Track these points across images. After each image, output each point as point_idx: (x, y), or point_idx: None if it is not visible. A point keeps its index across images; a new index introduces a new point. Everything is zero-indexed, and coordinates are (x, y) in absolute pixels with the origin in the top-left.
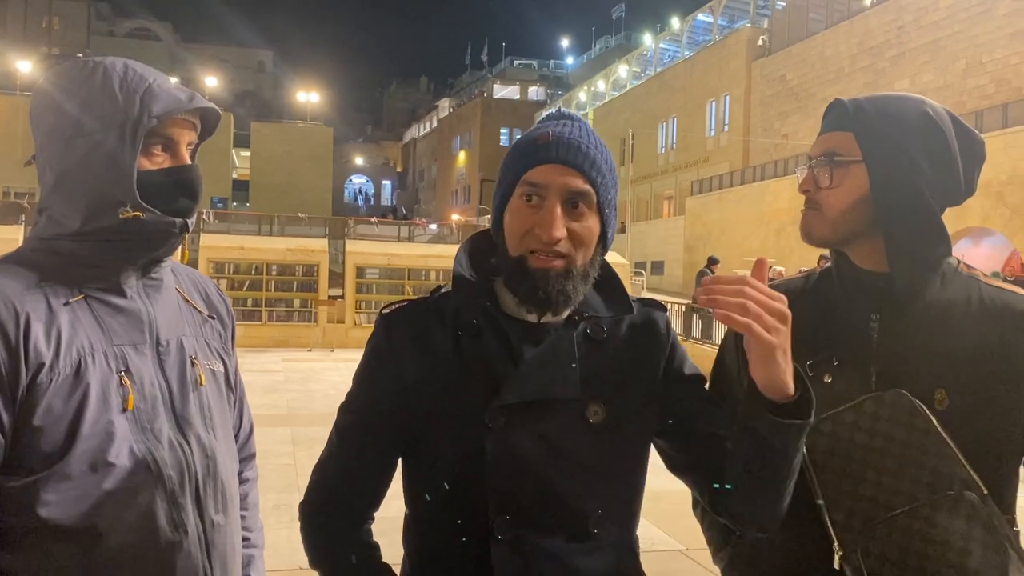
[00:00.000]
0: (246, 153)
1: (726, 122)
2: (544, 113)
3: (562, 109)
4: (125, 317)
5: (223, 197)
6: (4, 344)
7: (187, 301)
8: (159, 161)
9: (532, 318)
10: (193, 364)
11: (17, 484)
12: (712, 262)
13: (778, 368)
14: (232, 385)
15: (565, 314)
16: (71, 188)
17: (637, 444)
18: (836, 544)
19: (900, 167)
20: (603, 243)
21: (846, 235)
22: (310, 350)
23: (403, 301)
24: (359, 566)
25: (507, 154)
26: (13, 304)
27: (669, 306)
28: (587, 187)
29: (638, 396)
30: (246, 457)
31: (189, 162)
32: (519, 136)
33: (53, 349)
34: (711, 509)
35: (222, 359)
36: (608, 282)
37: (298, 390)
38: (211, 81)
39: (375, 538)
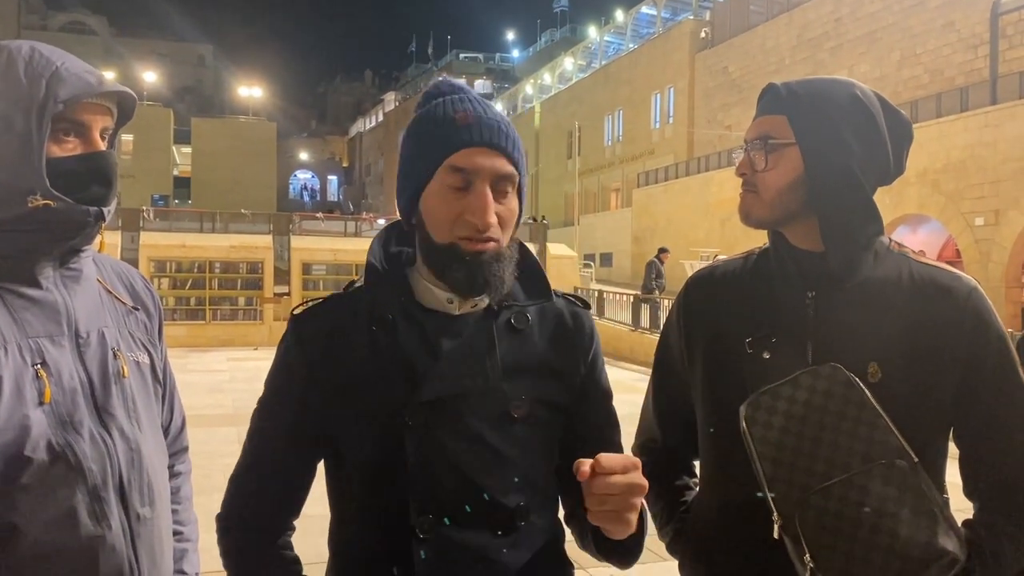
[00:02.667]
0: (187, 149)
1: (671, 114)
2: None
3: (446, 78)
4: (40, 309)
5: (164, 195)
6: None
7: (109, 292)
8: (70, 147)
9: (452, 308)
10: (115, 356)
11: None
12: (662, 251)
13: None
14: (160, 377)
15: (484, 304)
16: None
17: (557, 434)
18: (775, 514)
19: (831, 148)
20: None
21: (782, 216)
22: (256, 348)
23: (315, 299)
24: None
25: (412, 136)
26: None
27: (618, 297)
28: (511, 169)
29: (558, 390)
30: (178, 451)
31: (103, 148)
32: (419, 114)
33: None
34: (574, 517)
35: (147, 350)
36: (527, 266)
37: (244, 389)
38: (149, 76)
39: (296, 537)
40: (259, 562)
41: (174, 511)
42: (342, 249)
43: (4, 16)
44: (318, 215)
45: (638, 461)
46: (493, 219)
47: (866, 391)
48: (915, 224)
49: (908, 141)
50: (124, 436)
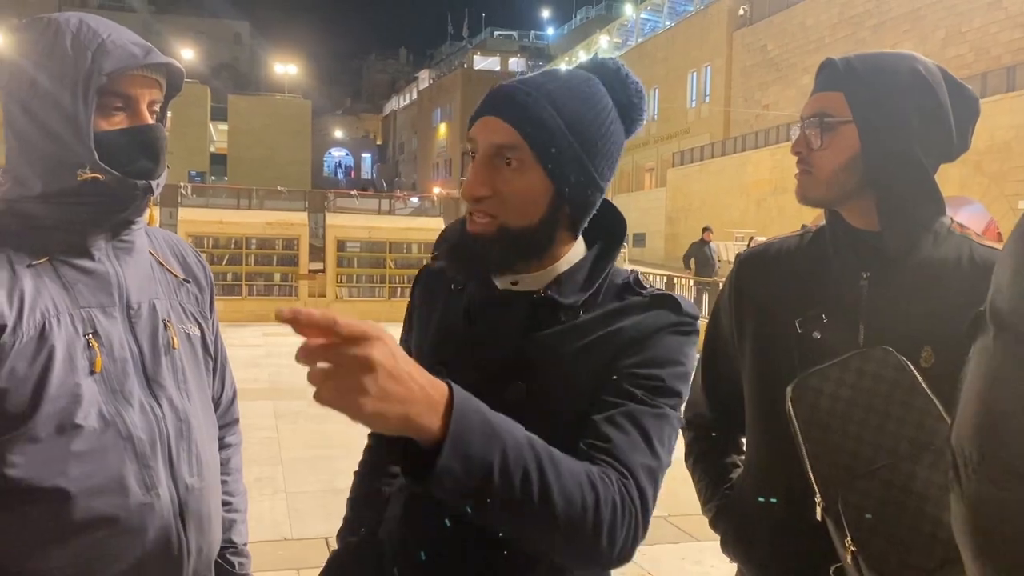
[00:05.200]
0: (224, 126)
1: (707, 93)
2: None
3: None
4: (93, 280)
5: (201, 171)
6: None
7: (161, 264)
8: (117, 121)
9: (501, 283)
10: (166, 327)
11: None
12: (706, 230)
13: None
14: (210, 349)
15: (528, 287)
16: (31, 150)
17: (561, 426)
18: (818, 496)
19: (889, 125)
20: (572, 206)
21: (839, 195)
22: None
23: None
24: None
25: None
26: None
27: (649, 277)
28: (514, 139)
29: (579, 390)
30: (229, 422)
31: (150, 121)
32: None
33: (16, 311)
34: None
35: (198, 323)
36: (595, 264)
37: (280, 364)
38: (187, 53)
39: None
40: None
41: (224, 482)
42: (376, 227)
43: None
44: (352, 192)
45: (370, 331)
46: (476, 191)
47: (917, 376)
48: (956, 206)
49: (974, 117)
50: (173, 406)
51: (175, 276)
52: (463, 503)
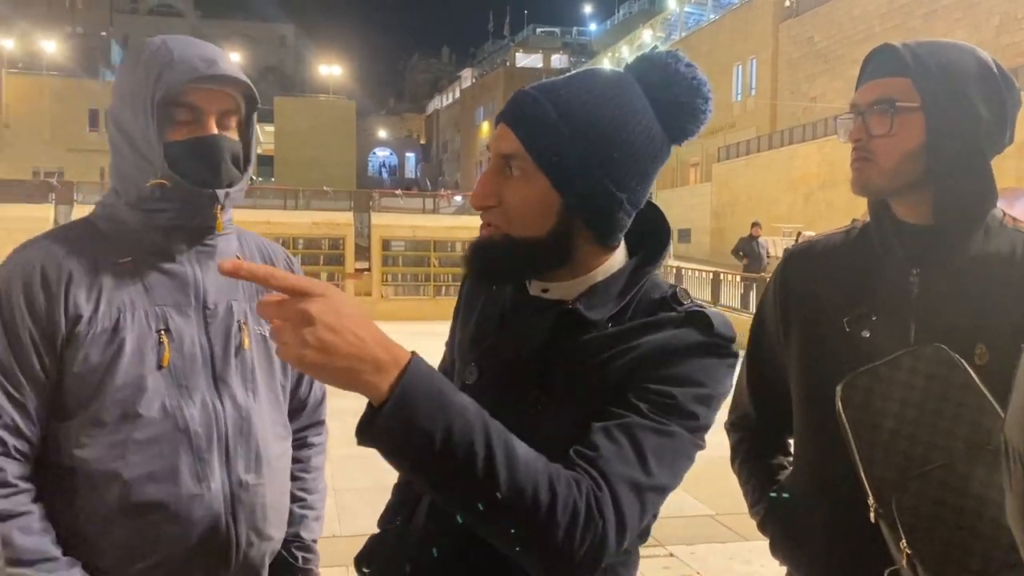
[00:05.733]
0: (270, 128)
1: (753, 86)
2: None
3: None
4: (171, 280)
5: None
6: (46, 297)
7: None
8: (184, 131)
9: (533, 289)
10: (240, 328)
11: (57, 426)
12: (755, 225)
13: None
14: None
15: (574, 293)
16: (120, 160)
17: (576, 438)
18: (871, 498)
19: (960, 115)
20: (588, 219)
21: (902, 185)
22: None
23: None
24: None
25: None
26: (58, 263)
27: (696, 273)
28: (517, 148)
29: (595, 402)
30: (315, 423)
31: (213, 132)
32: None
33: (93, 304)
34: None
35: None
36: (631, 276)
37: None
38: (234, 57)
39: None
40: None
41: (302, 479)
42: (421, 226)
43: (98, 0)
44: (397, 192)
45: (311, 287)
46: (480, 201)
47: (972, 373)
48: (1012, 198)
49: (1017, 109)
50: (236, 405)
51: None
52: (402, 468)
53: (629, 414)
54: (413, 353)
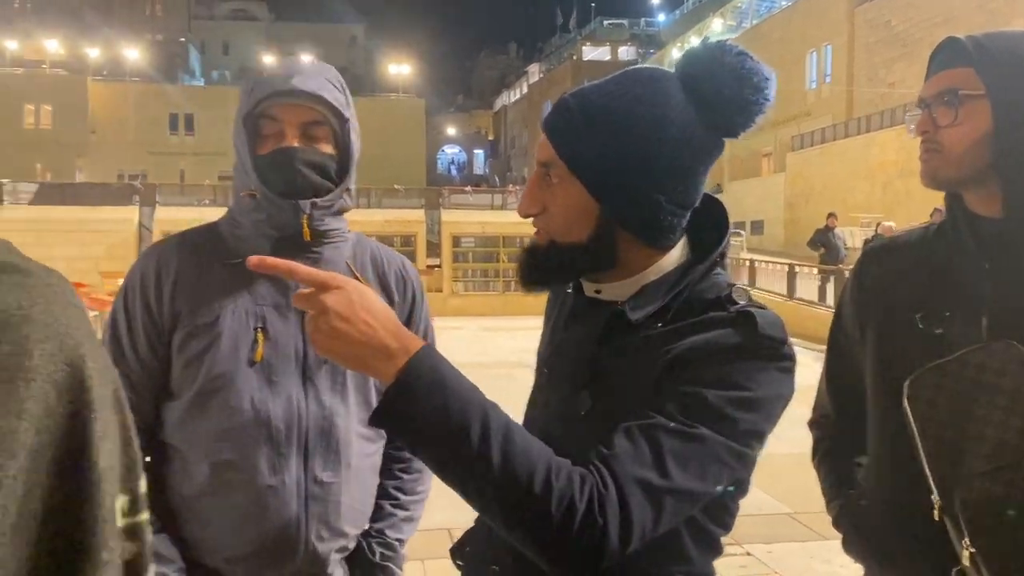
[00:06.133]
0: None
1: (827, 73)
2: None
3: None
4: (273, 284)
5: None
6: (156, 291)
7: (355, 276)
8: (269, 145)
9: (587, 290)
10: None
11: (162, 407)
12: (831, 216)
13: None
14: None
15: (626, 294)
16: (236, 173)
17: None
18: (936, 495)
19: None
20: (629, 222)
21: (970, 175)
22: None
23: None
24: None
25: None
26: (171, 261)
27: (769, 266)
28: (552, 155)
29: (637, 405)
30: None
31: (291, 144)
32: None
33: (196, 300)
34: None
35: None
36: (681, 276)
37: None
38: (305, 59)
39: None
40: None
41: (399, 479)
42: (490, 222)
43: (176, 7)
44: (466, 189)
45: (328, 280)
46: (525, 208)
47: None
48: None
49: None
50: (320, 404)
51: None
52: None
53: (654, 415)
54: (427, 344)
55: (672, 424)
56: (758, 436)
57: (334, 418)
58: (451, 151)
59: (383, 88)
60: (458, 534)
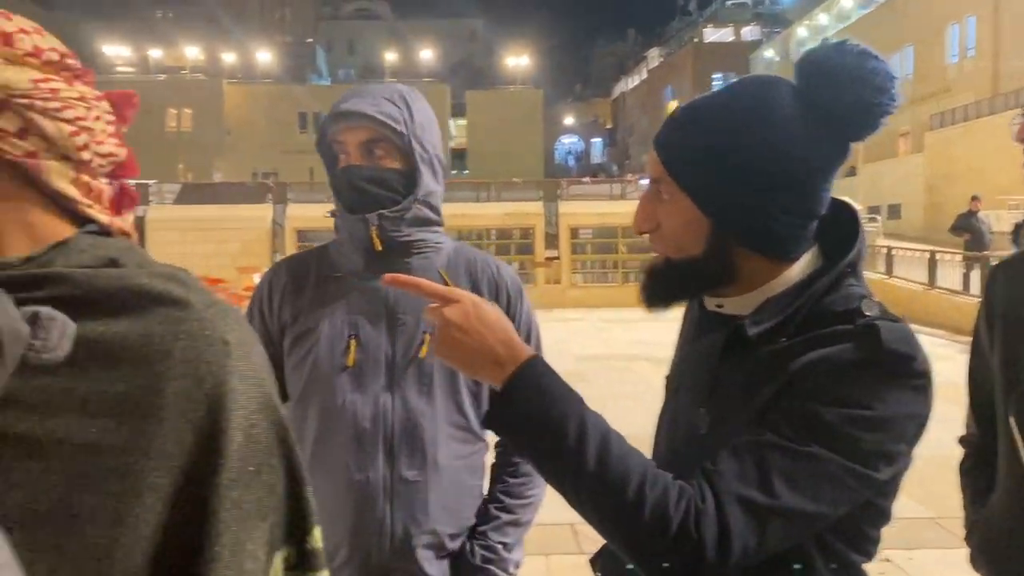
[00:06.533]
0: (462, 122)
1: (970, 46)
2: (759, 54)
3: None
4: (366, 294)
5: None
6: (269, 300)
7: (445, 284)
8: (340, 166)
9: (709, 304)
10: (423, 339)
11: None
12: (974, 199)
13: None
14: None
15: (748, 308)
16: None
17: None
18: None
19: None
20: (742, 237)
21: None
22: None
23: None
24: None
25: None
26: (285, 273)
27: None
28: (659, 171)
29: (747, 422)
30: None
31: (350, 162)
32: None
33: (301, 309)
34: None
35: None
36: (803, 288)
37: None
38: (426, 54)
39: None
40: None
41: (506, 482)
42: (608, 212)
43: (304, 10)
44: (584, 179)
45: (447, 294)
46: (638, 226)
47: None
48: None
49: None
50: (407, 407)
51: None
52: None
53: (765, 432)
54: (535, 355)
55: (782, 442)
56: (886, 457)
57: (419, 419)
58: (568, 141)
59: (502, 80)
60: (581, 530)
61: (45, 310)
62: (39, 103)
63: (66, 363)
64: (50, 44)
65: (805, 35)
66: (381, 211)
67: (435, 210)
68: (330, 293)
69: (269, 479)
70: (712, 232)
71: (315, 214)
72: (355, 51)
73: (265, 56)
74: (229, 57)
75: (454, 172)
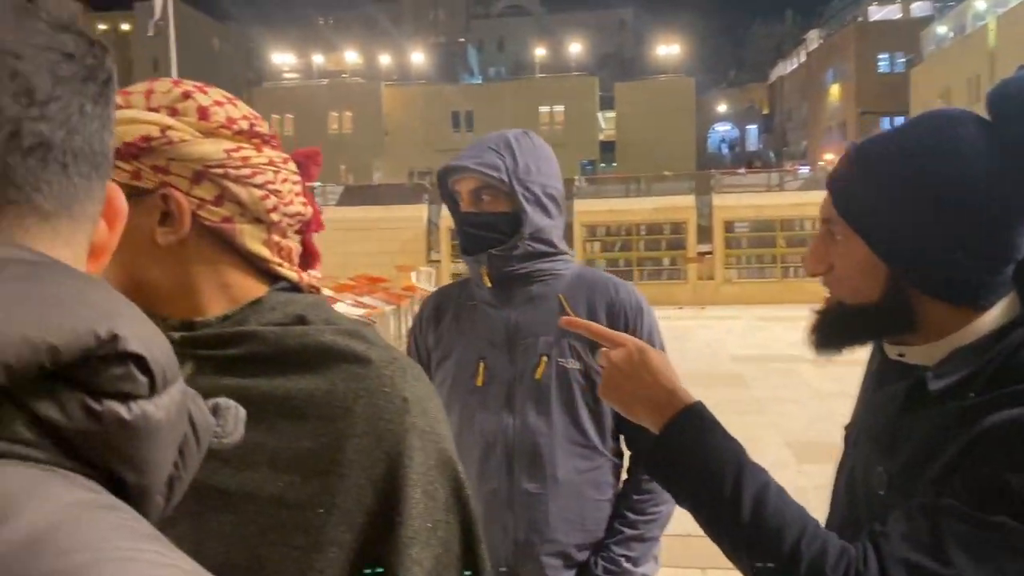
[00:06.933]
0: (611, 114)
1: None
2: (930, 31)
3: None
4: (493, 321)
5: (591, 160)
6: (420, 328)
7: (565, 307)
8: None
9: (889, 352)
10: (540, 361)
11: None
12: None
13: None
14: (596, 381)
15: (931, 360)
16: None
17: None
18: None
19: None
20: (922, 283)
21: None
22: (680, 307)
23: None
24: None
25: None
26: (432, 303)
27: None
28: (830, 211)
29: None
30: None
31: (464, 209)
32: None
33: (442, 334)
34: None
35: (582, 359)
36: (997, 340)
37: (671, 348)
38: (575, 48)
39: None
40: None
41: (631, 499)
42: (765, 205)
43: (456, 11)
44: (740, 170)
45: (616, 338)
46: (811, 268)
47: None
48: None
49: None
50: (525, 423)
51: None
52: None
53: (944, 496)
54: (695, 401)
55: (962, 508)
56: None
57: (537, 436)
58: (722, 129)
59: (652, 70)
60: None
61: (223, 400)
62: (232, 171)
63: (257, 419)
64: (241, 113)
65: (983, 8)
66: (490, 251)
67: (547, 243)
68: (464, 320)
69: (445, 536)
70: (890, 277)
71: None
72: (505, 48)
73: (419, 57)
74: (385, 59)
75: (603, 165)
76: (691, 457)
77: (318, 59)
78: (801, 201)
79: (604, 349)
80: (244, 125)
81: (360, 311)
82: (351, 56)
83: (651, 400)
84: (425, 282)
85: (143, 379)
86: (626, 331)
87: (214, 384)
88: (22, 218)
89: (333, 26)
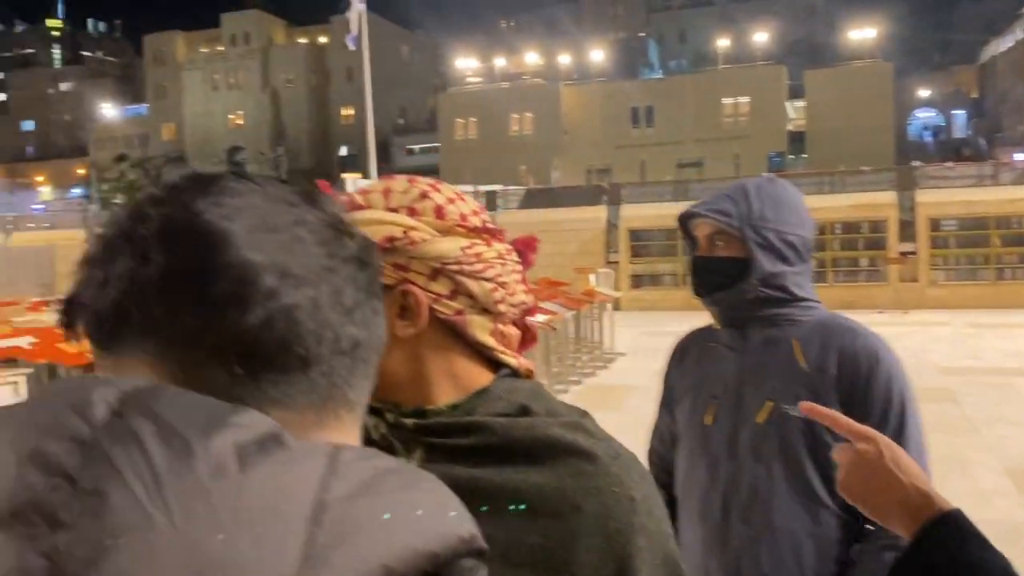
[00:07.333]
0: (800, 104)
1: None
2: None
3: None
4: (726, 363)
5: (779, 151)
6: (669, 366)
7: (796, 355)
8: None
9: None
10: (763, 405)
11: None
12: None
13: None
14: (818, 431)
15: None
16: None
17: None
18: None
19: None
20: None
21: None
22: (880, 311)
23: None
24: None
25: None
26: (682, 342)
27: None
28: None
29: None
30: None
31: (700, 253)
32: None
33: (685, 371)
34: None
35: None
36: None
37: None
38: (760, 36)
39: None
40: None
41: (851, 564)
42: (975, 200)
43: (635, 5)
44: (947, 164)
45: (863, 432)
46: None
47: None
48: None
49: None
50: (740, 469)
51: (800, 366)
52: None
53: None
54: (953, 508)
55: None
56: None
57: (756, 483)
58: (924, 115)
59: (845, 56)
60: None
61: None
62: (467, 267)
63: (488, 511)
64: (471, 208)
65: None
66: (716, 294)
67: (781, 288)
68: (705, 359)
69: None
70: None
71: (647, 213)
72: (686, 40)
73: (598, 54)
74: (564, 59)
75: (791, 157)
76: (950, 569)
77: (500, 62)
78: (1018, 196)
79: (844, 444)
80: (476, 222)
81: (543, 317)
82: (531, 57)
83: (902, 501)
84: (604, 284)
85: (484, 568)
86: (860, 382)
87: (446, 472)
88: (337, 410)
89: (514, 28)
